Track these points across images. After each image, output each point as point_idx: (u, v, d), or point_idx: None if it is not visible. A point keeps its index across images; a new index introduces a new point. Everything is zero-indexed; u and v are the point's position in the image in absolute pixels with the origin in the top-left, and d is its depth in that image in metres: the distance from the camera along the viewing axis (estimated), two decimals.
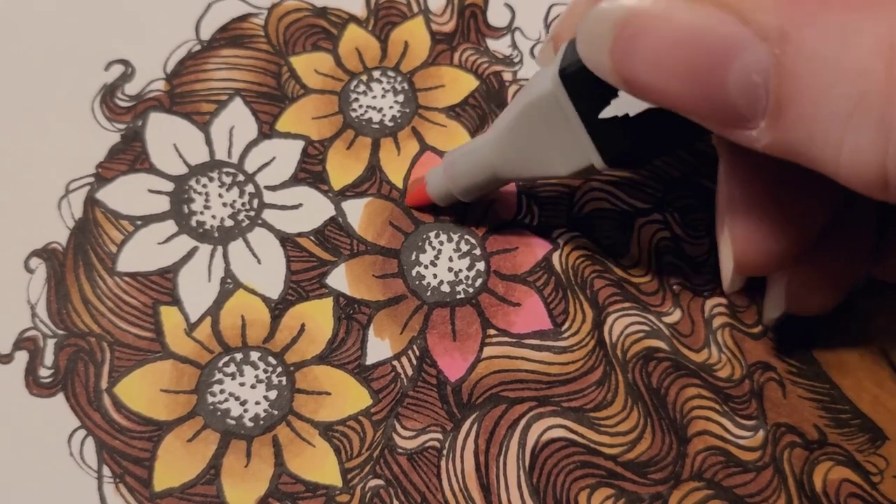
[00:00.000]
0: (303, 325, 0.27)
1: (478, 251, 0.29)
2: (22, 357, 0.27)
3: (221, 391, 0.26)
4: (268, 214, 0.29)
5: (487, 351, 0.27)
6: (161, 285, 0.28)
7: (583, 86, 0.22)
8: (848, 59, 0.16)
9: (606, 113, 0.22)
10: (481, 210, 0.29)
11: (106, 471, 0.25)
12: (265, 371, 0.27)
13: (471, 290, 0.28)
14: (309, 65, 0.32)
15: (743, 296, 0.28)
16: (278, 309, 0.28)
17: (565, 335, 0.27)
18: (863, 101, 0.16)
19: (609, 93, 0.22)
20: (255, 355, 0.27)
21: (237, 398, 0.26)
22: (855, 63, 0.16)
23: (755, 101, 0.17)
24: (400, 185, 0.30)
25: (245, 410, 0.26)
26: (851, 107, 0.16)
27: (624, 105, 0.21)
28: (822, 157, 0.17)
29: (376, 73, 0.32)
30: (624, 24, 0.18)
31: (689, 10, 0.17)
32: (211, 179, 0.29)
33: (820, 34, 0.16)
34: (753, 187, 0.22)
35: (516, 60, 0.32)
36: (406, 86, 0.32)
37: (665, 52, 0.18)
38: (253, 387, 0.26)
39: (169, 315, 0.27)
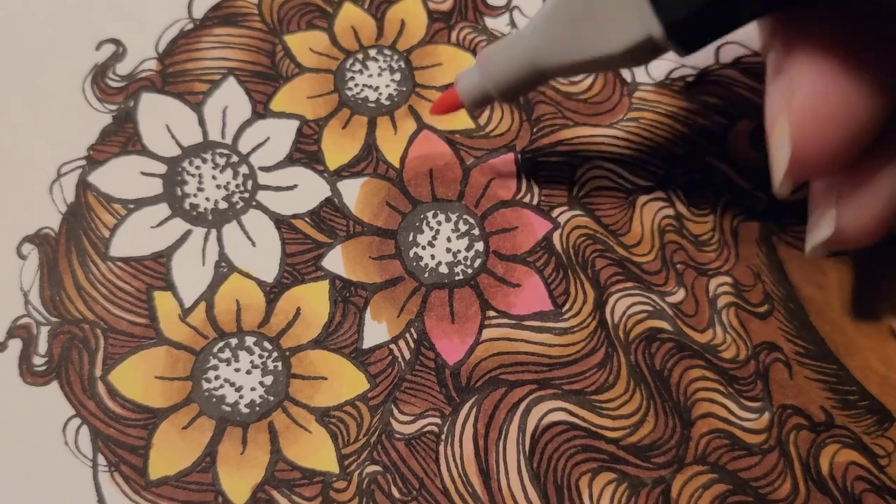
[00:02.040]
0: (298, 309, 0.27)
1: (476, 231, 0.28)
2: (16, 345, 0.26)
3: (216, 377, 0.26)
4: (262, 196, 0.28)
5: (487, 333, 0.27)
6: (155, 270, 0.27)
7: None
8: None
9: None
10: (480, 189, 0.29)
11: (101, 459, 0.25)
12: (260, 356, 0.26)
13: (469, 270, 0.28)
14: (304, 43, 0.31)
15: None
16: (273, 293, 0.27)
17: (566, 316, 0.27)
18: None
19: None
20: (250, 340, 0.26)
21: (232, 384, 0.26)
22: None
23: None
24: (396, 164, 0.29)
25: (240, 397, 0.26)
26: None
27: None
28: None
29: (372, 52, 0.31)
30: None
31: None
32: (204, 161, 0.29)
33: None
34: (816, 44, 0.20)
35: None
36: (403, 64, 0.31)
37: None
38: (248, 372, 0.26)
39: (163, 300, 0.27)
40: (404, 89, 0.30)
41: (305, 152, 0.29)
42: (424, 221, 0.28)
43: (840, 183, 0.23)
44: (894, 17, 0.16)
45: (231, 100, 0.30)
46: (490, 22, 0.32)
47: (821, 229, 0.23)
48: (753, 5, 0.19)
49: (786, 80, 0.21)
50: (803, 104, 0.20)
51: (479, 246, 0.28)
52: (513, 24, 0.32)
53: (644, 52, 0.21)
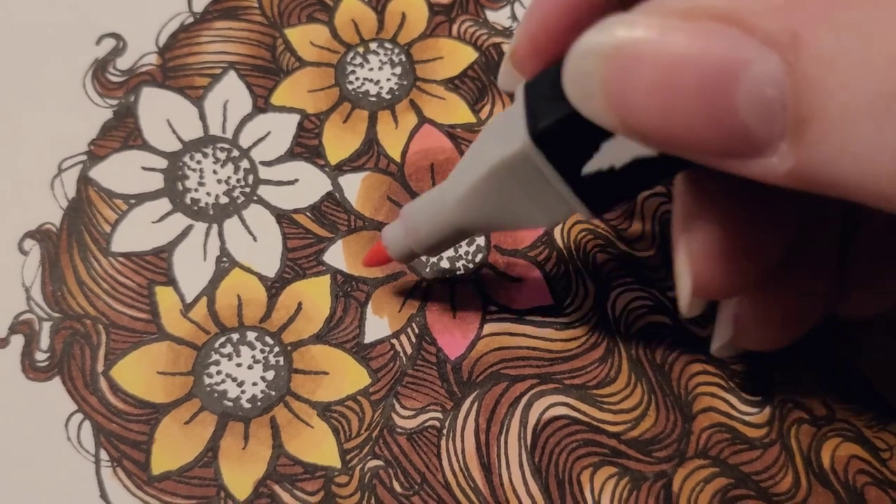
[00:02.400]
0: (300, 304, 0.27)
1: None
2: (18, 341, 0.26)
3: (218, 372, 0.26)
4: (263, 190, 0.28)
5: (488, 328, 0.27)
6: (156, 265, 0.27)
7: (559, 143, 0.20)
8: (872, 54, 0.14)
9: (589, 168, 0.20)
10: None
11: (103, 454, 0.25)
12: (262, 351, 0.26)
13: (471, 265, 0.28)
14: (304, 37, 0.31)
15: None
16: (275, 287, 0.27)
17: (567, 311, 0.27)
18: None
19: (590, 146, 0.19)
20: (251, 335, 0.26)
21: (234, 379, 0.26)
22: (882, 58, 0.14)
23: (771, 119, 0.15)
24: (398, 158, 0.29)
25: (242, 392, 0.26)
26: (884, 108, 0.14)
27: (608, 157, 0.19)
28: (856, 172, 0.14)
29: (373, 45, 0.31)
30: (614, 55, 0.16)
31: (685, 30, 0.15)
32: (205, 155, 0.29)
33: (837, 29, 0.14)
34: (712, 204, 0.20)
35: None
36: (404, 58, 0.31)
37: (665, 81, 0.15)
38: (250, 367, 0.26)
39: (164, 296, 0.27)
40: (405, 83, 0.30)
41: (306, 147, 0.29)
42: None
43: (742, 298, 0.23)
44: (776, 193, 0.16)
45: (232, 94, 0.30)
46: (491, 15, 0.32)
47: (720, 338, 0.24)
48: (661, 181, 0.21)
49: (685, 225, 0.21)
50: (695, 261, 0.21)
51: (481, 241, 0.28)
52: (514, 16, 0.32)
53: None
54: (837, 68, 0.14)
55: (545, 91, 0.20)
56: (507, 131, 0.21)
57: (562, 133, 0.19)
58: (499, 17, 0.32)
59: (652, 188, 0.22)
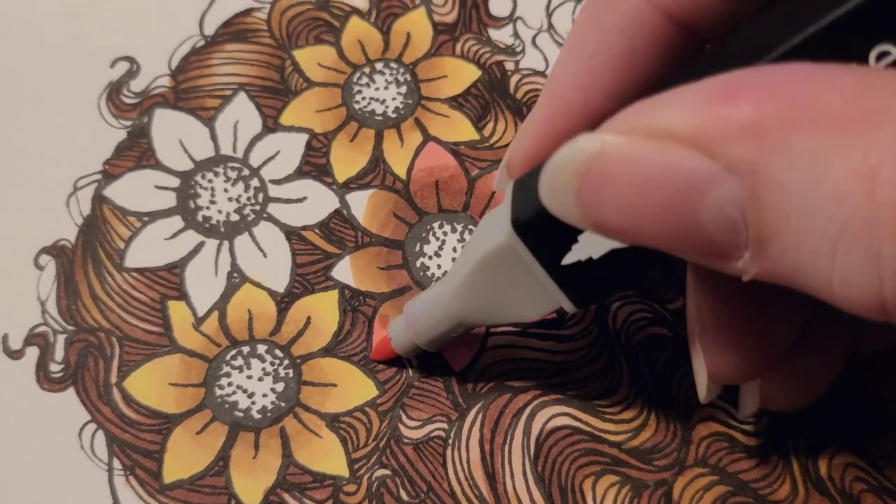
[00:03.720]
0: (309, 318, 0.28)
1: None
2: (33, 353, 0.27)
3: (229, 384, 0.27)
4: (273, 208, 0.29)
5: (492, 340, 0.27)
6: (169, 280, 0.28)
7: (540, 234, 0.21)
8: (824, 186, 0.15)
9: (569, 259, 0.21)
10: (485, 200, 0.29)
11: (116, 463, 0.25)
12: (272, 364, 0.27)
13: None
14: (312, 58, 0.32)
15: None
16: (284, 302, 0.28)
17: (569, 324, 0.28)
18: (847, 229, 0.14)
19: (569, 237, 0.21)
20: (262, 348, 0.27)
21: (245, 391, 0.26)
22: (833, 189, 0.14)
23: (734, 234, 0.16)
24: (403, 175, 0.30)
25: (253, 403, 0.26)
26: (835, 235, 0.15)
27: (586, 248, 0.21)
28: (815, 284, 0.15)
29: (379, 65, 0.32)
30: (586, 171, 0.17)
31: (652, 149, 0.16)
32: (216, 174, 0.30)
33: (791, 163, 0.15)
34: (721, 300, 0.21)
35: (518, 50, 0.32)
36: (409, 77, 0.32)
37: (632, 195, 0.17)
38: (260, 379, 0.27)
39: (177, 309, 0.28)
40: (410, 102, 0.31)
41: (314, 165, 0.30)
42: (431, 232, 0.29)
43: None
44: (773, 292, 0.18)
45: (242, 115, 0.31)
46: (494, 33, 0.32)
47: (747, 407, 0.25)
48: (646, 272, 0.23)
49: (698, 320, 0.22)
50: (710, 355, 0.22)
51: None
52: (516, 34, 0.32)
53: (557, 312, 0.23)
54: (792, 197, 0.15)
55: (529, 188, 0.21)
56: (495, 226, 0.22)
57: (541, 224, 0.21)
58: (501, 35, 0.32)
59: (633, 284, 0.24)
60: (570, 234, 0.21)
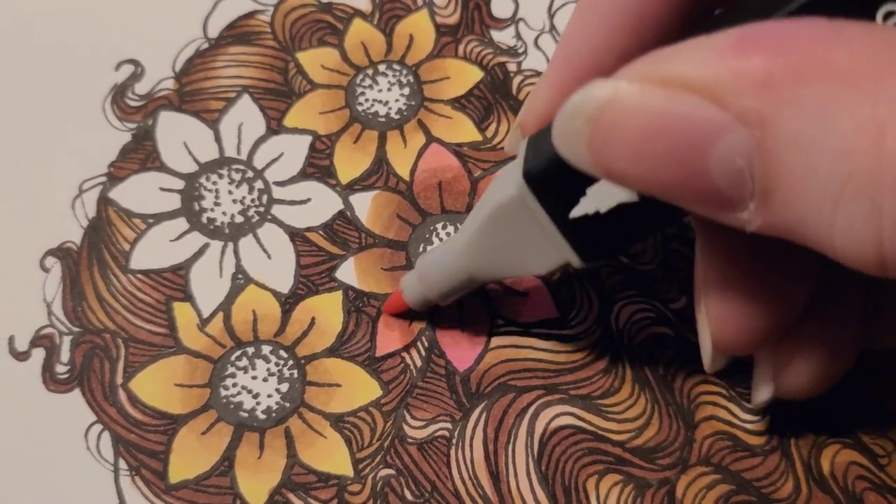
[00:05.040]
0: (313, 319, 0.28)
1: None
2: (39, 354, 0.27)
3: (234, 385, 0.27)
4: (277, 210, 0.29)
5: (495, 341, 0.27)
6: (173, 282, 0.28)
7: (550, 186, 0.21)
8: (831, 138, 0.15)
9: (577, 212, 0.21)
10: None
11: (122, 464, 0.26)
12: (277, 364, 0.27)
13: None
14: (315, 60, 0.32)
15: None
16: (289, 303, 0.28)
17: (572, 324, 0.28)
18: (850, 181, 0.15)
19: (578, 191, 0.21)
20: (266, 349, 0.27)
21: (250, 391, 0.27)
22: (838, 142, 0.15)
23: (740, 185, 0.16)
24: (407, 177, 0.30)
25: (257, 403, 0.26)
26: (839, 188, 0.15)
27: (594, 202, 0.21)
28: (817, 238, 0.16)
29: (382, 67, 0.32)
30: (599, 116, 0.17)
31: (664, 97, 0.17)
32: (221, 176, 0.30)
33: (800, 114, 0.15)
34: (730, 264, 0.21)
35: (520, 51, 0.32)
36: (411, 79, 0.32)
37: (644, 142, 0.17)
38: (265, 380, 0.27)
39: (182, 311, 0.28)
40: (413, 103, 0.31)
41: (318, 167, 0.30)
42: (434, 233, 0.29)
43: (775, 351, 0.24)
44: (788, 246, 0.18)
45: (246, 117, 0.31)
46: (496, 35, 0.33)
47: (760, 393, 0.25)
48: (652, 229, 0.22)
49: (705, 284, 0.22)
50: (715, 320, 0.22)
51: None
52: (518, 36, 0.33)
53: (563, 270, 0.23)
54: (799, 149, 0.15)
55: (542, 143, 0.21)
56: (507, 181, 0.23)
57: (551, 176, 0.21)
58: (503, 36, 0.33)
59: (640, 240, 0.24)
60: (579, 187, 0.21)
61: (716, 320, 0.22)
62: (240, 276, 0.28)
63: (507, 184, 0.22)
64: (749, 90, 0.16)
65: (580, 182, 0.20)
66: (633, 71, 0.17)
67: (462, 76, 0.32)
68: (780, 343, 0.23)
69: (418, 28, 0.33)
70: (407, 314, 0.28)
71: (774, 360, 0.24)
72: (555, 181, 0.21)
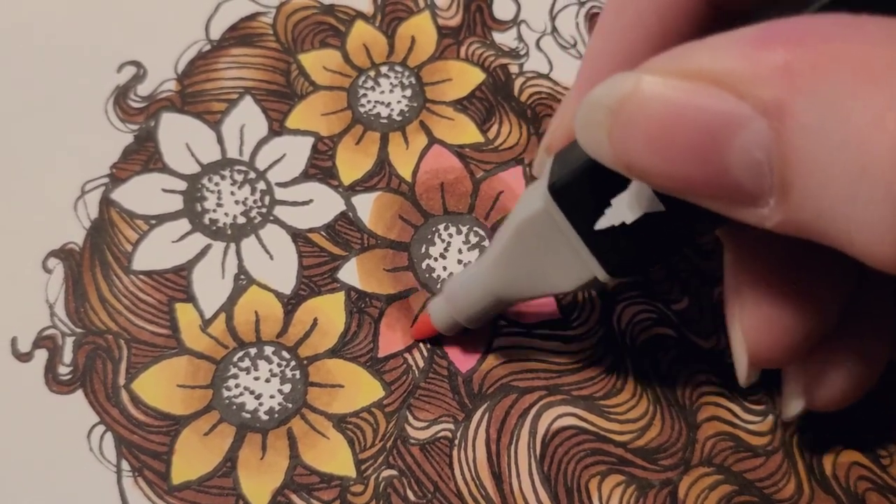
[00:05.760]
0: (315, 320, 0.28)
1: (487, 243, 0.29)
2: (41, 355, 0.27)
3: (236, 385, 0.27)
4: (279, 211, 0.29)
5: (497, 342, 0.28)
6: (176, 283, 0.28)
7: (575, 198, 0.21)
8: (848, 130, 0.15)
9: (602, 223, 0.21)
10: (490, 202, 0.30)
11: (125, 465, 0.26)
12: (279, 365, 0.27)
13: None
14: (317, 62, 0.32)
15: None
16: (291, 304, 0.28)
17: (574, 324, 0.28)
18: (867, 172, 0.15)
19: (603, 202, 0.21)
20: (268, 350, 0.27)
21: (252, 392, 0.27)
22: (855, 132, 0.15)
23: (760, 178, 0.16)
24: (409, 178, 0.30)
25: (260, 404, 0.26)
26: (856, 180, 0.15)
27: (619, 213, 0.21)
28: (836, 233, 0.16)
29: (384, 69, 0.32)
30: (619, 108, 0.18)
31: (683, 89, 0.17)
32: (223, 177, 0.30)
33: (817, 106, 0.15)
34: (762, 274, 0.21)
35: (522, 53, 0.32)
36: (413, 80, 0.32)
37: (664, 134, 0.17)
38: (267, 381, 0.27)
39: (184, 312, 0.28)
40: (415, 105, 0.31)
41: (320, 168, 0.30)
42: (436, 234, 0.29)
43: (806, 363, 0.24)
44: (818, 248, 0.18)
45: (248, 118, 0.31)
46: (498, 37, 0.33)
47: (791, 407, 0.25)
48: (680, 243, 0.22)
49: (737, 298, 0.22)
50: (750, 332, 0.22)
51: None
52: (520, 37, 0.33)
53: (594, 285, 0.23)
54: (817, 140, 0.15)
55: (567, 157, 0.21)
56: (533, 197, 0.23)
57: (575, 186, 0.21)
58: (505, 38, 0.33)
59: (667, 255, 0.23)
60: (604, 199, 0.21)
61: (751, 332, 0.22)
62: (242, 276, 0.28)
63: (533, 199, 0.22)
64: (768, 81, 0.16)
65: (606, 193, 0.20)
66: (655, 64, 0.17)
67: (464, 78, 0.32)
68: (812, 354, 0.23)
69: (420, 30, 0.33)
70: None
71: (806, 371, 0.24)
72: (580, 192, 0.21)
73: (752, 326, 0.22)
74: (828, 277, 0.21)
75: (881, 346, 0.23)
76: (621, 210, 0.21)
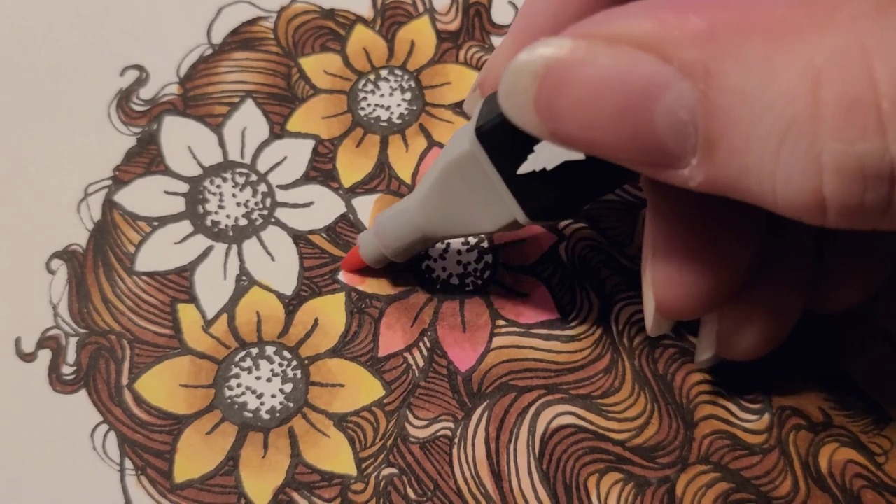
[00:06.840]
0: (316, 320, 0.28)
1: (485, 244, 0.29)
2: (45, 355, 0.27)
3: (238, 385, 0.27)
4: (280, 213, 0.30)
5: (496, 341, 0.28)
6: (178, 284, 0.28)
7: (500, 143, 0.22)
8: (773, 87, 0.15)
9: (524, 168, 0.22)
10: None
11: (128, 464, 0.26)
12: (280, 365, 0.27)
13: (479, 282, 0.29)
14: (318, 65, 0.32)
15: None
16: (292, 305, 0.28)
17: (572, 324, 0.28)
18: (791, 127, 0.15)
19: (526, 148, 0.21)
20: (270, 350, 0.27)
21: (254, 391, 0.27)
22: (780, 91, 0.15)
23: (684, 138, 0.17)
24: (409, 180, 0.30)
25: (261, 403, 0.27)
26: (781, 135, 0.15)
27: (541, 159, 0.21)
28: (759, 189, 0.16)
29: (384, 72, 0.32)
30: (545, 74, 0.18)
31: (608, 54, 0.17)
32: (225, 180, 0.30)
33: (742, 66, 0.16)
34: (676, 228, 0.22)
35: None
36: (413, 84, 0.32)
37: (590, 99, 0.17)
38: (269, 380, 0.27)
39: (186, 312, 0.28)
40: (415, 108, 0.32)
41: (321, 170, 0.30)
42: None
43: (721, 313, 0.24)
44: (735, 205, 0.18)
45: (249, 121, 0.31)
46: (497, 40, 0.33)
47: (704, 352, 0.25)
48: (601, 189, 0.23)
49: (650, 249, 0.23)
50: (659, 284, 0.22)
51: (489, 258, 0.29)
52: None
53: (514, 227, 0.24)
54: (743, 100, 0.16)
55: (495, 101, 0.21)
56: (461, 139, 0.23)
57: (500, 132, 0.22)
58: None
59: (587, 201, 0.24)
60: (528, 145, 0.21)
61: (659, 284, 0.22)
62: (244, 277, 0.29)
63: (461, 141, 0.23)
64: (692, 43, 0.16)
65: (529, 140, 0.20)
66: (580, 29, 0.18)
67: (463, 81, 0.32)
68: (725, 307, 0.23)
69: (419, 34, 0.33)
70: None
71: (720, 323, 0.24)
72: (505, 138, 0.22)
73: (661, 278, 0.22)
74: (738, 236, 0.22)
75: (796, 296, 0.24)
76: (543, 156, 0.21)
